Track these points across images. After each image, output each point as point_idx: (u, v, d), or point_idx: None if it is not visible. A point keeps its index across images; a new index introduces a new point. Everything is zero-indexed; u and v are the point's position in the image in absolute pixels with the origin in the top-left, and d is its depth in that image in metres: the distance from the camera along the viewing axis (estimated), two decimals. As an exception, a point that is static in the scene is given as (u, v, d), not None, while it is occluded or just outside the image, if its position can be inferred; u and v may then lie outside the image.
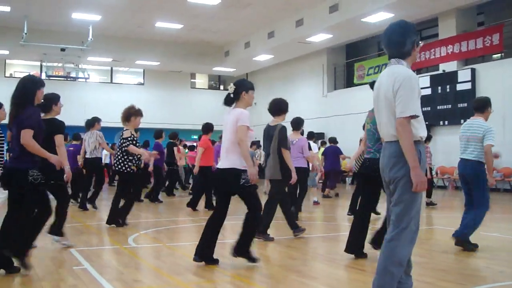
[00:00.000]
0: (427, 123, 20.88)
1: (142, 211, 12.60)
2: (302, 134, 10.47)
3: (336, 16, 21.44)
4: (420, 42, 4.13)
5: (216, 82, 35.37)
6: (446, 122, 20.41)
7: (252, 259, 6.04)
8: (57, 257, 6.51)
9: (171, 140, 16.59)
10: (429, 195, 13.44)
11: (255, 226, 6.11)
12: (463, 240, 7.02)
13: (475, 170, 7.08)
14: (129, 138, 9.12)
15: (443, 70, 20.85)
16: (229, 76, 34.40)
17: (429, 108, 20.95)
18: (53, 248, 7.02)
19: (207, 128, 12.75)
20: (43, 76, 28.80)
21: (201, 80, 35.10)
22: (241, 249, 6.03)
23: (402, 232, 3.89)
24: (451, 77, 20.39)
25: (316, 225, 10.36)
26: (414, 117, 3.84)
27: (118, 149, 9.32)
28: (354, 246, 6.47)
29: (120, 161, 9.14)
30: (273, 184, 7.98)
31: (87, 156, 12.20)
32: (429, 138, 13.92)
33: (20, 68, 30.43)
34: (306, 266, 6.28)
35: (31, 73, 5.50)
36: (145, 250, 7.27)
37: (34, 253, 6.13)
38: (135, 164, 9.23)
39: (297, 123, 10.27)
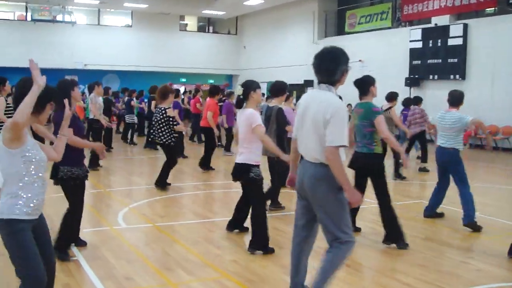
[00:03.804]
0: (416, 76, 20.86)
1: (135, 174, 12.74)
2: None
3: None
4: (349, 68, 4.33)
5: (206, 24, 34.84)
6: (436, 77, 20.42)
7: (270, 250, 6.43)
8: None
9: (152, 94, 16.83)
10: (424, 160, 13.49)
11: (260, 222, 6.43)
12: (471, 223, 7.50)
13: (452, 157, 7.66)
14: (174, 118, 10.15)
15: (435, 24, 20.67)
16: (219, 19, 33.90)
17: (419, 62, 20.91)
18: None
19: (215, 91, 13.29)
20: (29, 19, 28.33)
21: (190, 23, 34.55)
22: (256, 244, 6.41)
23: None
24: (443, 31, 20.25)
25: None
26: (342, 146, 4.12)
27: (159, 123, 9.98)
28: (394, 237, 6.66)
29: (165, 134, 9.97)
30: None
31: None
32: (420, 99, 13.77)
33: (5, 8, 29.70)
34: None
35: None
36: (135, 234, 7.34)
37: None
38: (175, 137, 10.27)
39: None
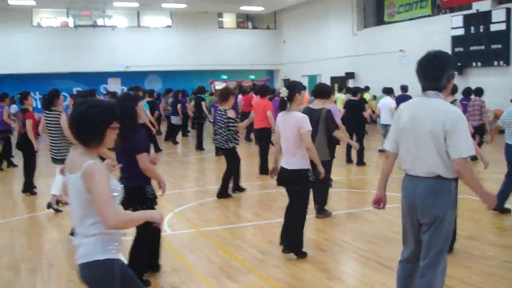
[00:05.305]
0: (459, 64, 20.21)
1: (178, 177, 12.91)
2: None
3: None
4: (455, 73, 4.08)
5: (244, 20, 34.95)
6: (479, 64, 20.00)
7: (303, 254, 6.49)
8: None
9: (199, 95, 16.90)
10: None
11: (302, 224, 6.48)
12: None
13: None
14: (235, 119, 9.78)
15: (477, 10, 20.27)
16: (257, 15, 33.96)
17: (461, 49, 20.55)
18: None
19: (268, 90, 12.98)
20: (71, 25, 28.95)
21: (229, 19, 34.74)
22: (292, 245, 6.45)
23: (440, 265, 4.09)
24: (485, 17, 19.85)
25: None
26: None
27: (220, 127, 9.71)
28: None
29: (225, 138, 9.66)
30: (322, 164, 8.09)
31: None
32: (481, 91, 13.57)
33: (47, 14, 30.38)
34: (335, 261, 6.50)
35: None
36: (180, 240, 7.51)
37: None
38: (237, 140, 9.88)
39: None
